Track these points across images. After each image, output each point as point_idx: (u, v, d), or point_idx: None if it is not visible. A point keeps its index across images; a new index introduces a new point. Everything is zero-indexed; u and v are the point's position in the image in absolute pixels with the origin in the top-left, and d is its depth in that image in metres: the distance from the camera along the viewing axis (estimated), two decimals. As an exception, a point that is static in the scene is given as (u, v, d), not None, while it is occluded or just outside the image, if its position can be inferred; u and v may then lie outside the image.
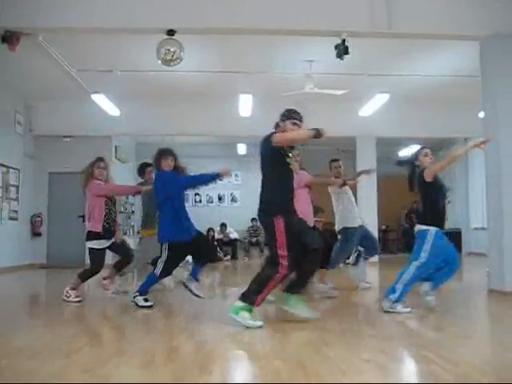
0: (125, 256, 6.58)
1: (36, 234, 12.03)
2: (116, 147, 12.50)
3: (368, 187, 12.30)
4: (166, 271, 5.69)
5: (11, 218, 10.99)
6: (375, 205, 12.48)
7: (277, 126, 4.79)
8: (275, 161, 4.62)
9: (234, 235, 15.08)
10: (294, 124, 4.66)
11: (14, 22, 6.46)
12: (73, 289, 6.20)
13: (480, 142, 5.26)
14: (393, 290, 5.17)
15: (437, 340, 4.12)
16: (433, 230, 5.18)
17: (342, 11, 6.66)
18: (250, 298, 4.46)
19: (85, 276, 6.28)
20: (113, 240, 6.35)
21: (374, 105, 10.94)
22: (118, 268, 6.66)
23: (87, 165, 6.48)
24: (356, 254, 12.43)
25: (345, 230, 7.12)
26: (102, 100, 10.44)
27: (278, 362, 3.28)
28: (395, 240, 17.31)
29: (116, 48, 8.37)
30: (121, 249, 6.54)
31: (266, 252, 15.23)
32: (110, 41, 8.01)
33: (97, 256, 6.25)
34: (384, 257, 13.45)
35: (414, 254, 5.20)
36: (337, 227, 7.23)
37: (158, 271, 5.60)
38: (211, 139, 14.01)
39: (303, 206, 5.82)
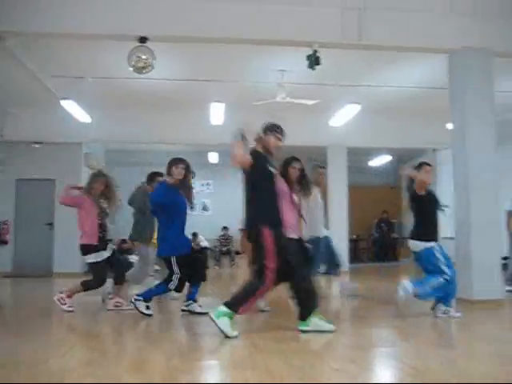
0: (117, 268, 6.40)
1: (2, 241, 11.79)
2: (86, 154, 12.34)
3: (339, 196, 12.40)
4: (181, 286, 5.68)
5: (-23, 226, 10.77)
6: (345, 214, 12.57)
7: (259, 139, 4.79)
8: (260, 176, 4.66)
9: (204, 244, 14.99)
10: (277, 138, 4.72)
11: (-18, 26, 6.35)
12: (69, 296, 6.10)
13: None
14: (420, 284, 5.38)
15: (407, 349, 4.15)
16: (434, 244, 5.39)
17: (314, 22, 6.72)
18: (235, 305, 4.47)
19: (87, 287, 6.17)
20: (111, 250, 6.31)
21: (345, 115, 10.99)
22: (121, 283, 6.40)
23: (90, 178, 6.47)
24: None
25: (314, 238, 7.10)
26: (72, 106, 10.29)
27: (248, 371, 3.27)
28: (365, 249, 17.45)
29: (88, 54, 8.28)
30: (113, 260, 6.36)
31: (237, 261, 15.24)
32: (82, 47, 7.91)
33: (97, 269, 6.15)
34: (355, 266, 13.52)
35: (436, 270, 5.43)
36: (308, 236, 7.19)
37: (172, 286, 5.57)
38: (183, 147, 13.94)
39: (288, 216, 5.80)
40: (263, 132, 4.77)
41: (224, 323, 4.36)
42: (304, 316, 4.60)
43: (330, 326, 4.61)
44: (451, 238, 7.32)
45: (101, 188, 6.36)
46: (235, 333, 4.38)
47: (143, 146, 13.46)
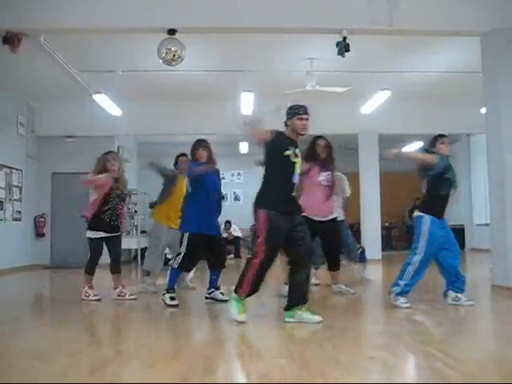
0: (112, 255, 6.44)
1: (39, 234, 12.05)
2: (119, 147, 12.51)
3: (371, 184, 12.30)
4: (186, 265, 5.76)
5: (15, 219, 11.01)
6: (378, 201, 12.47)
7: (286, 125, 4.77)
8: (271, 155, 4.63)
9: (237, 233, 15.07)
10: (301, 119, 4.63)
11: (16, 24, 6.47)
12: (90, 287, 6.23)
13: None
14: (396, 284, 5.23)
15: (442, 337, 4.12)
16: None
17: (343, 9, 6.65)
18: (237, 287, 4.55)
19: (87, 268, 6.32)
20: (114, 234, 6.35)
21: (375, 102, 10.92)
22: (113, 271, 6.39)
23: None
24: (360, 251, 12.38)
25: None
26: (103, 100, 10.44)
27: (283, 360, 3.29)
28: (398, 237, 17.30)
29: (117, 48, 8.37)
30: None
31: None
32: (112, 41, 8.01)
33: (90, 245, 6.33)
34: (387, 254, 13.43)
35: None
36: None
37: (176, 264, 5.61)
38: (213, 138, 14.02)
39: (314, 200, 5.98)
40: (287, 117, 4.72)
41: (231, 309, 4.52)
42: (289, 306, 4.59)
43: (316, 318, 4.54)
44: (486, 225, 7.21)
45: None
46: (240, 317, 4.45)
47: (174, 138, 13.56)
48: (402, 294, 5.20)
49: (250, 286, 4.50)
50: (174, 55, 6.60)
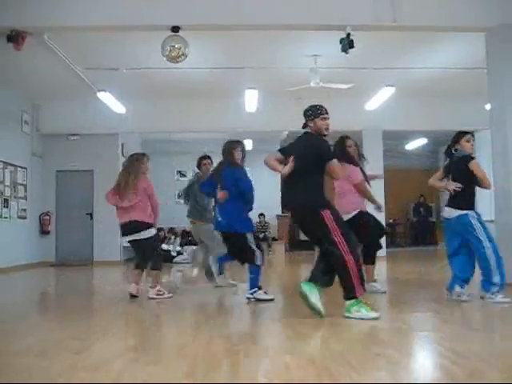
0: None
1: (44, 232, 12.09)
2: (123, 145, 12.53)
3: (375, 180, 12.24)
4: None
5: (20, 217, 11.05)
6: (382, 198, 12.43)
7: (305, 125, 4.77)
8: (323, 162, 4.63)
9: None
10: (324, 119, 4.69)
11: (20, 22, 6.48)
12: (158, 284, 6.19)
13: None
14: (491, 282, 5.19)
15: (446, 333, 4.11)
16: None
17: (347, 5, 6.64)
18: (349, 292, 4.44)
19: (159, 265, 6.24)
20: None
21: (379, 98, 10.90)
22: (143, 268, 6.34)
23: (130, 159, 6.30)
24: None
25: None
26: (108, 98, 10.46)
27: (288, 356, 3.29)
28: (403, 233, 17.28)
29: (121, 46, 8.38)
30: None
31: (274, 247, 15.27)
32: (116, 39, 8.01)
33: (155, 240, 6.30)
34: (391, 250, 13.40)
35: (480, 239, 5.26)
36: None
37: (259, 261, 5.76)
38: (217, 135, 14.02)
39: (352, 196, 6.25)
40: (309, 119, 4.72)
41: (358, 314, 4.36)
42: (311, 280, 4.57)
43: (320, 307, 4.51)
44: (491, 221, 7.19)
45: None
46: (374, 314, 4.39)
47: (178, 135, 13.58)
48: (501, 288, 5.19)
49: (359, 279, 4.47)
50: (177, 52, 6.61)
